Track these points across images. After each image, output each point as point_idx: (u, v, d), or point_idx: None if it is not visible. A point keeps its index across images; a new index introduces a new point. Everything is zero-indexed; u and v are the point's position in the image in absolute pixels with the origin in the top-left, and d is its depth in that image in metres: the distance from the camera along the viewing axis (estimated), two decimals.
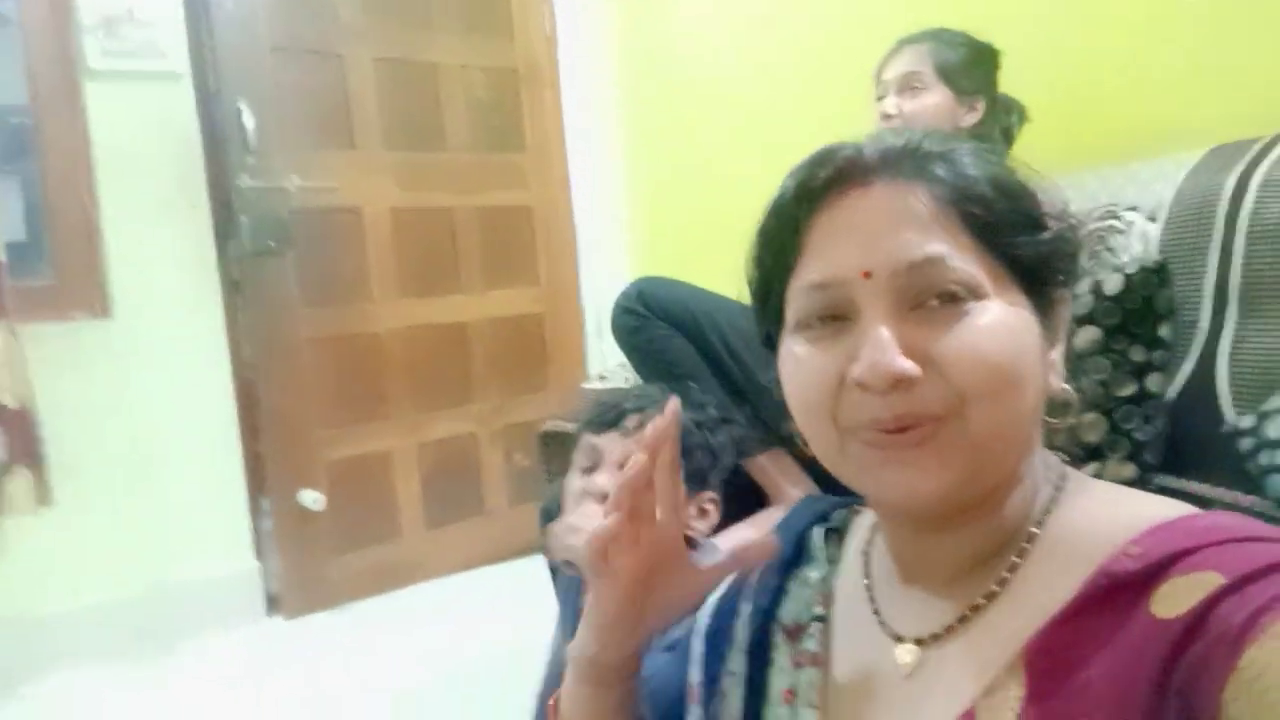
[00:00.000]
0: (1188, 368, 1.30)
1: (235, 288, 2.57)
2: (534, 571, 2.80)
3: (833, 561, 0.72)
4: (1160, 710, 0.45)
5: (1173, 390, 1.30)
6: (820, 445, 0.60)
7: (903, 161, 0.57)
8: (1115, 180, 1.53)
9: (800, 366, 0.59)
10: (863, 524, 0.73)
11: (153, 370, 2.41)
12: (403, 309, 2.73)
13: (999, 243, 0.56)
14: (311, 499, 2.54)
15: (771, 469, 1.39)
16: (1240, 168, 1.33)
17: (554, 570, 1.47)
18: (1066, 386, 0.60)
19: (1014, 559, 0.57)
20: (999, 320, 0.54)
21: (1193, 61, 1.57)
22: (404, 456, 2.74)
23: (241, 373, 2.59)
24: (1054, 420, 0.60)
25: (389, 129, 2.69)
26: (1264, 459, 1.08)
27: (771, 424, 1.40)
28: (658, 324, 1.43)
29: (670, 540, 0.66)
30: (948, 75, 1.58)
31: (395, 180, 2.69)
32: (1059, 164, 1.70)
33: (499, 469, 2.91)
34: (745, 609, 0.74)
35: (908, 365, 0.53)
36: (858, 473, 0.58)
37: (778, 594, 0.72)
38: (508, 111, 2.93)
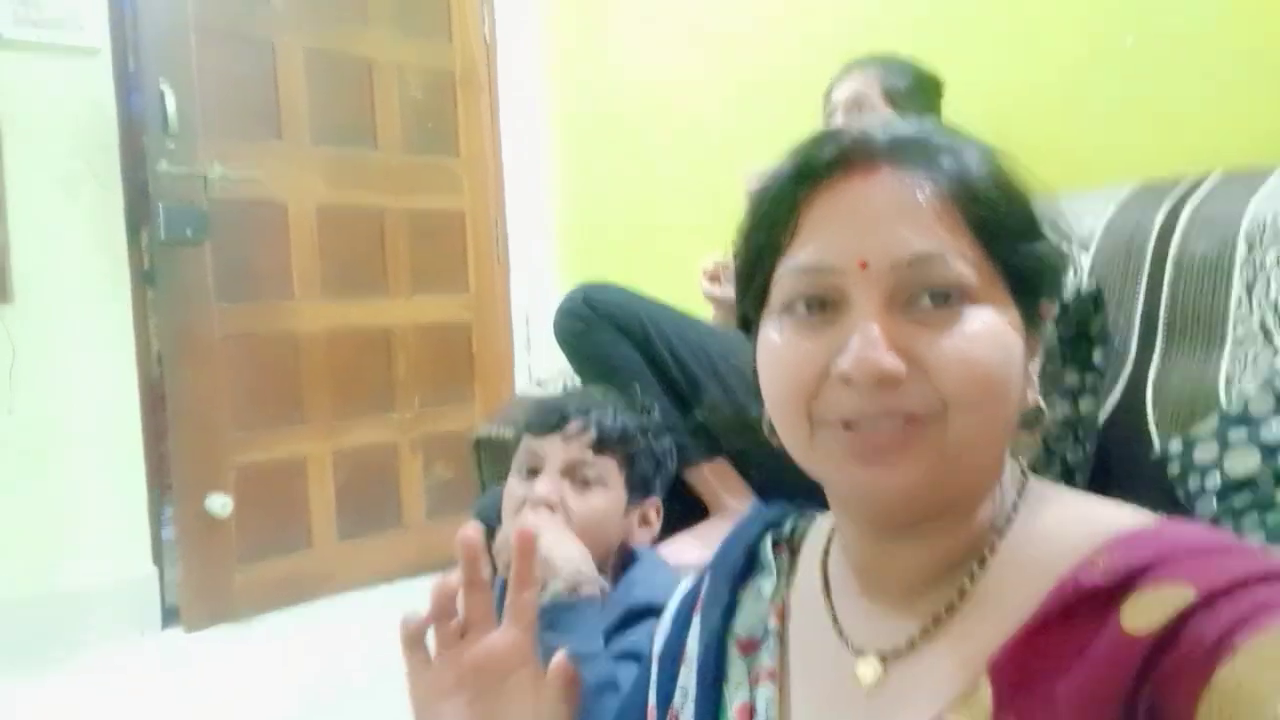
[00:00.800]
0: (1116, 393, 1.34)
1: (146, 278, 2.45)
2: None
3: (783, 573, 0.69)
4: None
5: (1102, 414, 1.34)
6: (790, 435, 0.58)
7: (911, 150, 0.55)
8: None
9: (781, 353, 0.56)
10: (817, 532, 0.71)
11: (53, 360, 2.27)
12: (325, 310, 2.64)
13: (998, 246, 0.54)
14: (218, 504, 2.42)
15: (713, 480, 1.38)
16: (1169, 205, 1.39)
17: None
18: (1040, 400, 0.59)
19: (975, 568, 0.56)
20: (990, 328, 0.53)
21: (1123, 100, 1.64)
22: (319, 463, 2.64)
23: (148, 368, 2.47)
24: (1026, 432, 0.59)
25: (319, 123, 2.61)
26: (1193, 483, 1.12)
27: (716, 434, 1.39)
28: (604, 328, 1.42)
29: (507, 658, 0.63)
30: (894, 100, 1.61)
31: (323, 177, 2.61)
32: None
33: (418, 480, 2.83)
34: (696, 622, 0.71)
35: (895, 364, 0.51)
36: (825, 464, 0.56)
37: (730, 607, 0.69)
38: (443, 114, 2.88)
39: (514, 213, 3.01)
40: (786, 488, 1.40)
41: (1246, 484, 1.06)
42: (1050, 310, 0.59)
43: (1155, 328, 1.33)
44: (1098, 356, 1.31)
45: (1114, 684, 0.45)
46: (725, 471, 1.38)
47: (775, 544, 0.72)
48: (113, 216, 2.35)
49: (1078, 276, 1.43)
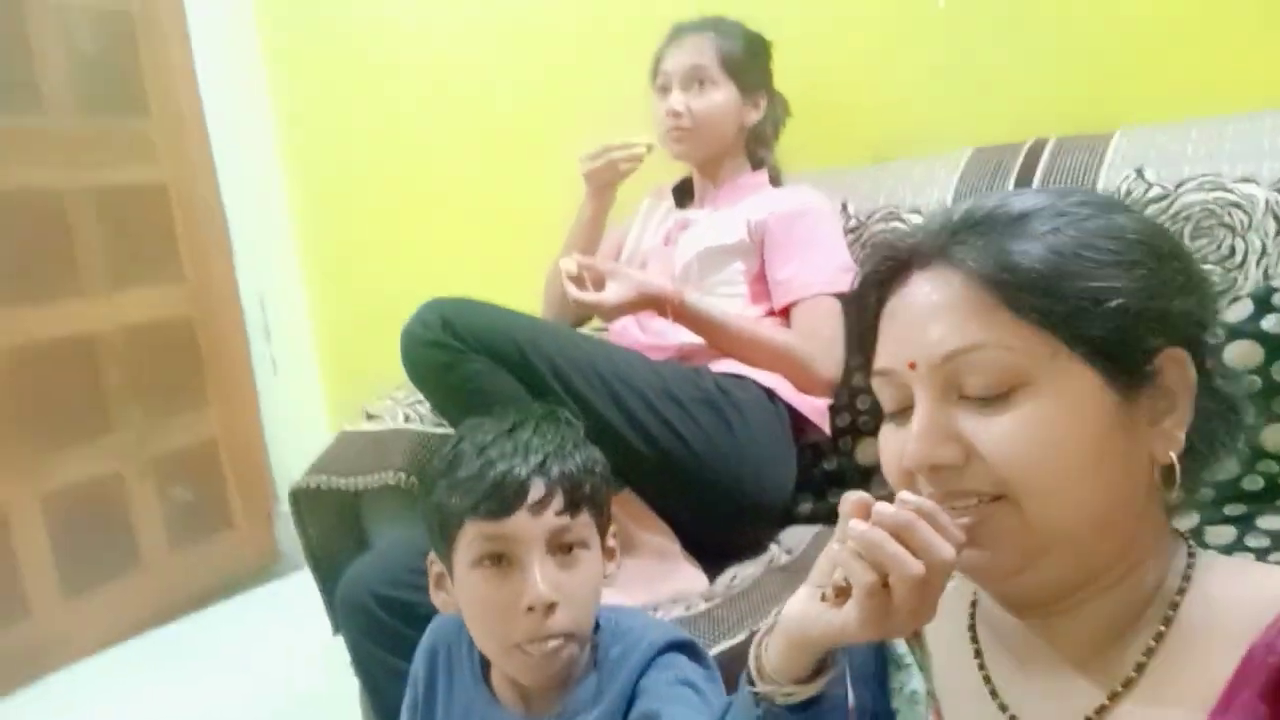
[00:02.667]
0: None
1: None
2: (209, 628, 2.37)
3: (924, 668, 0.66)
4: None
5: None
6: None
7: (947, 247, 0.58)
8: (886, 181, 1.57)
9: (881, 451, 0.62)
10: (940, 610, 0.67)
11: None
12: (2, 322, 2.08)
13: (1053, 322, 0.55)
14: None
15: (622, 516, 1.24)
16: (1014, 175, 1.43)
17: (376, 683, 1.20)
18: (1172, 457, 0.56)
19: (1150, 642, 0.55)
20: (1042, 411, 0.54)
21: (943, 65, 1.66)
22: (24, 513, 2.11)
23: None
24: (1170, 492, 0.57)
25: None
26: None
27: (618, 465, 1.24)
28: (474, 358, 1.20)
29: None
30: (733, 70, 1.51)
31: None
32: (811, 163, 1.73)
33: (154, 510, 2.38)
34: None
35: (943, 454, 0.55)
36: None
37: (888, 716, 0.66)
38: (123, 66, 2.33)
39: (229, 179, 2.53)
40: (698, 517, 1.30)
41: None
42: (1176, 357, 0.56)
43: None
44: None
45: None
46: (632, 504, 1.24)
47: None
48: None
49: None
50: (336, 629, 1.45)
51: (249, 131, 2.55)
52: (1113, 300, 0.54)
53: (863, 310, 0.64)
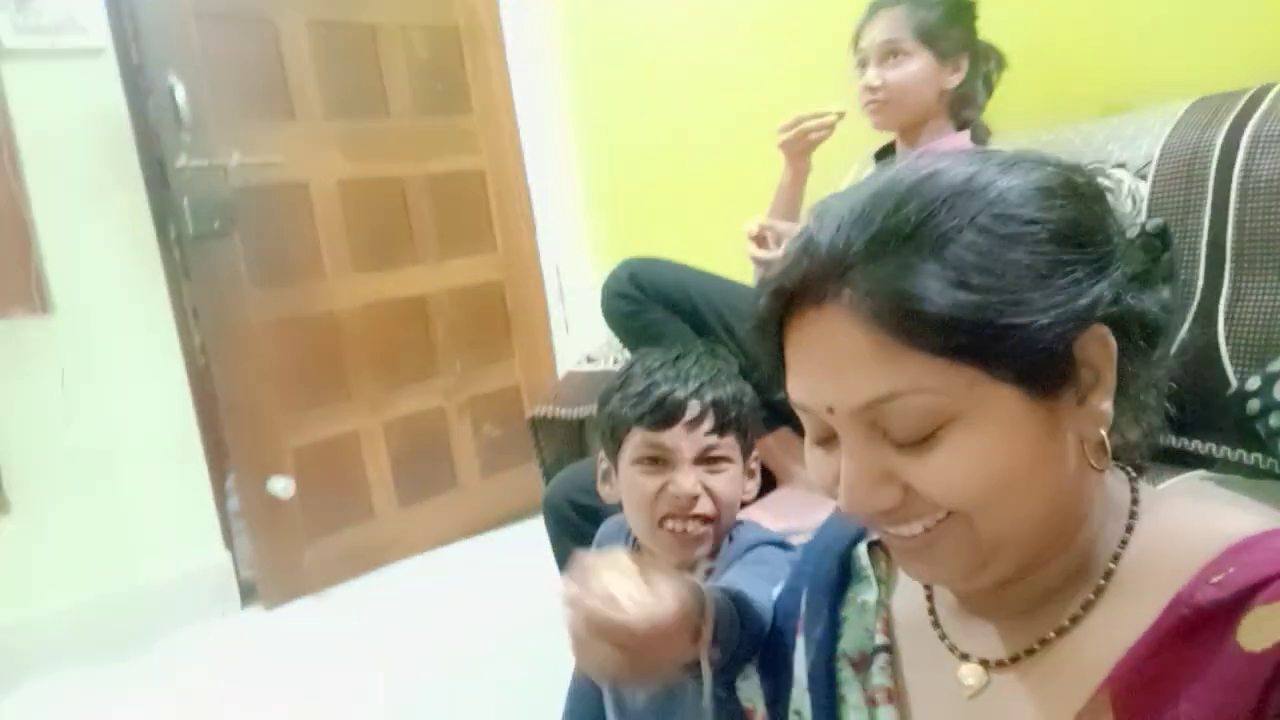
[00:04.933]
0: (1185, 328, 1.31)
1: (180, 273, 2.45)
2: (508, 543, 2.80)
3: (883, 581, 0.70)
4: None
5: (1172, 350, 1.31)
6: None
7: (839, 283, 0.53)
8: (1097, 137, 1.52)
9: (814, 465, 0.61)
10: None
11: (100, 365, 2.29)
12: (358, 285, 2.63)
13: (968, 355, 0.51)
14: (280, 486, 2.47)
15: (777, 450, 1.38)
16: (1228, 123, 1.33)
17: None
18: (1103, 434, 0.55)
19: (1090, 595, 0.56)
20: (977, 441, 0.52)
21: (1170, 13, 1.56)
22: (371, 436, 2.67)
23: (195, 361, 2.49)
24: (1098, 466, 0.56)
25: (329, 97, 2.56)
26: (1274, 420, 1.10)
27: (775, 404, 1.38)
28: (653, 307, 1.40)
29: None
30: (928, 38, 1.54)
31: (341, 151, 2.57)
32: (1037, 119, 1.70)
33: (469, 441, 2.86)
34: (800, 641, 0.72)
35: (882, 499, 0.54)
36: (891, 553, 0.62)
37: (834, 623, 0.69)
38: (452, 72, 2.81)
39: (534, 165, 2.96)
40: None
41: None
42: (1094, 334, 0.53)
43: (1223, 256, 1.29)
44: (1166, 295, 1.27)
45: (1240, 706, 0.46)
46: (789, 440, 1.38)
47: (871, 547, 0.72)
48: (139, 216, 2.34)
49: (1135, 207, 1.39)
50: None
51: (550, 125, 2.95)
52: (1027, 324, 0.50)
53: (766, 341, 0.59)
